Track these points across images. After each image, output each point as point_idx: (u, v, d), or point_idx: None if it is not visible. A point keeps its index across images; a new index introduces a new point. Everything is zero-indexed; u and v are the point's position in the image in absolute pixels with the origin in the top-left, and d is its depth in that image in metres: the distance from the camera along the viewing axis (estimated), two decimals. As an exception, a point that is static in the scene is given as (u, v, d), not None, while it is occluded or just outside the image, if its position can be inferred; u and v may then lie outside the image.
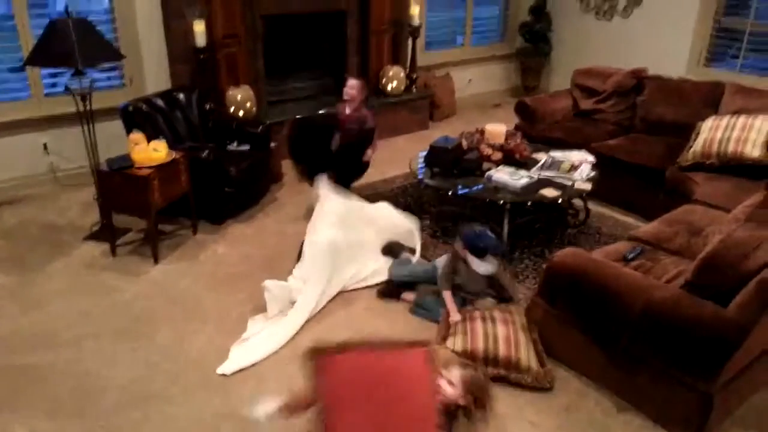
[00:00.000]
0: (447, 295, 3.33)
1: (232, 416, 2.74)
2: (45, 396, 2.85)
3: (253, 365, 3.05)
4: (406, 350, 2.13)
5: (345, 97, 4.54)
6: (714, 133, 4.32)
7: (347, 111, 4.55)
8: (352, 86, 4.52)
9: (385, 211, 4.07)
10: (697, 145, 4.36)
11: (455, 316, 3.22)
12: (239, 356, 3.09)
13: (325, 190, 3.96)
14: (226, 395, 2.87)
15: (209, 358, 3.10)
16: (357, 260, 3.76)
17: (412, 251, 3.93)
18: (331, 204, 3.87)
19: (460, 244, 3.29)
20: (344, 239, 3.70)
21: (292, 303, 3.43)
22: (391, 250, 3.92)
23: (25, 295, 3.62)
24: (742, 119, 4.29)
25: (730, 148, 4.20)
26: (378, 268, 3.78)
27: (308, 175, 4.37)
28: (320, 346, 2.11)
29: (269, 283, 3.40)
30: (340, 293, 3.64)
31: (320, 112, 4.84)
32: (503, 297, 3.43)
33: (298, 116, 4.83)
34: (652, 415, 2.74)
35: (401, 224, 4.00)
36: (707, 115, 4.60)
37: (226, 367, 3.02)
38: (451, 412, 2.20)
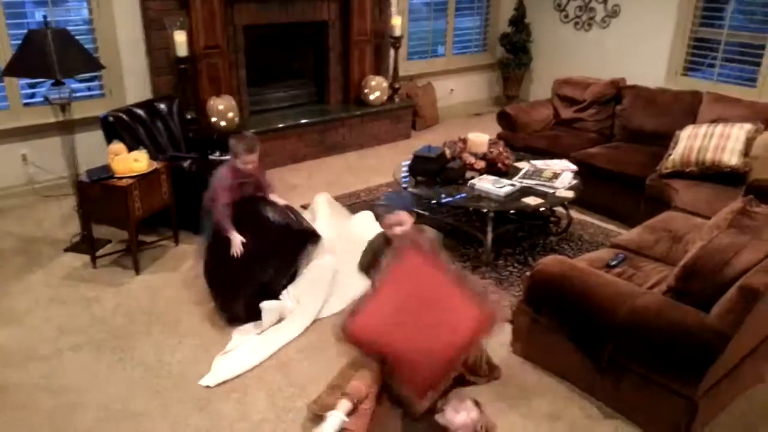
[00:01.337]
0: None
1: (215, 430, 2.71)
2: (21, 413, 2.79)
3: (237, 377, 3.02)
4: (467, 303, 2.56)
5: (245, 165, 3.45)
6: (693, 141, 4.38)
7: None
8: (251, 160, 3.45)
9: (366, 223, 4.06)
10: (677, 154, 4.42)
11: None
12: (223, 368, 3.05)
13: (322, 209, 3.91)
14: (210, 408, 2.83)
15: (192, 371, 3.06)
16: (348, 284, 3.73)
17: None
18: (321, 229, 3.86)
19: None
20: (338, 263, 3.69)
21: (281, 319, 3.41)
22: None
23: (1, 308, 3.54)
24: (719, 128, 4.36)
25: (709, 156, 4.27)
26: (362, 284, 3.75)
27: None
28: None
29: (266, 304, 3.36)
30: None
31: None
32: None
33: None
34: (637, 421, 2.75)
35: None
36: (686, 123, 4.67)
37: (209, 379, 2.98)
38: None
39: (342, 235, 3.90)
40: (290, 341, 3.29)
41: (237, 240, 3.39)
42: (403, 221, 2.90)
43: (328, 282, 3.58)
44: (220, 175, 3.47)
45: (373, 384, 2.65)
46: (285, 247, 3.51)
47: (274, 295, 3.46)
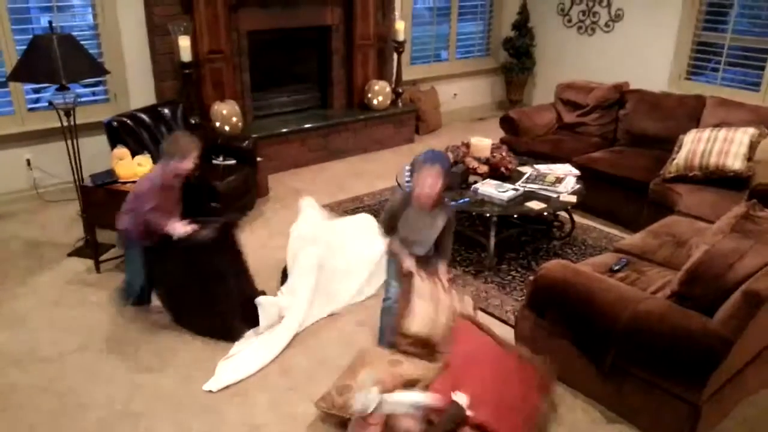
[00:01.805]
0: (393, 245, 2.99)
1: (218, 433, 2.72)
2: (26, 413, 2.80)
3: (240, 381, 3.02)
4: (521, 360, 2.73)
5: (187, 166, 3.27)
6: (696, 145, 4.38)
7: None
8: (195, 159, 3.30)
9: (364, 222, 4.05)
10: (680, 158, 4.41)
11: (408, 262, 2.95)
12: (226, 372, 3.06)
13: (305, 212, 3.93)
14: (212, 412, 2.83)
15: (195, 375, 3.06)
16: (343, 281, 3.73)
17: None
18: (303, 226, 3.86)
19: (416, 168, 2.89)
20: (327, 257, 3.69)
21: (281, 318, 3.42)
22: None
23: (6, 311, 3.56)
24: (723, 132, 4.36)
25: (712, 160, 4.26)
26: (362, 285, 3.78)
27: None
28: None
29: (263, 299, 3.38)
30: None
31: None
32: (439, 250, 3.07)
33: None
34: (641, 426, 2.75)
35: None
36: (689, 128, 4.67)
37: (213, 384, 2.99)
38: None
39: (330, 231, 3.88)
40: (290, 345, 3.29)
41: (180, 227, 3.19)
42: (433, 179, 2.78)
43: (315, 272, 3.56)
44: (154, 177, 3.25)
45: (400, 384, 2.61)
46: (229, 251, 3.38)
47: (256, 293, 3.44)
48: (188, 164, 3.26)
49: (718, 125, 4.54)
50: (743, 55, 6.04)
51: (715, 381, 2.50)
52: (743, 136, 4.26)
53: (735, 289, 2.50)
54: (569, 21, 7.35)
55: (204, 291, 3.29)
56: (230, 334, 3.33)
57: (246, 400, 2.91)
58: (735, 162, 4.19)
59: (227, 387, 2.98)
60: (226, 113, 5.31)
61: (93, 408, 2.84)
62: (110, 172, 3.86)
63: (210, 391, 2.95)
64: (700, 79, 6.41)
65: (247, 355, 3.17)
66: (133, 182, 3.78)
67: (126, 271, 3.54)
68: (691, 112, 4.97)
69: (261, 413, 2.83)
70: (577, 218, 4.65)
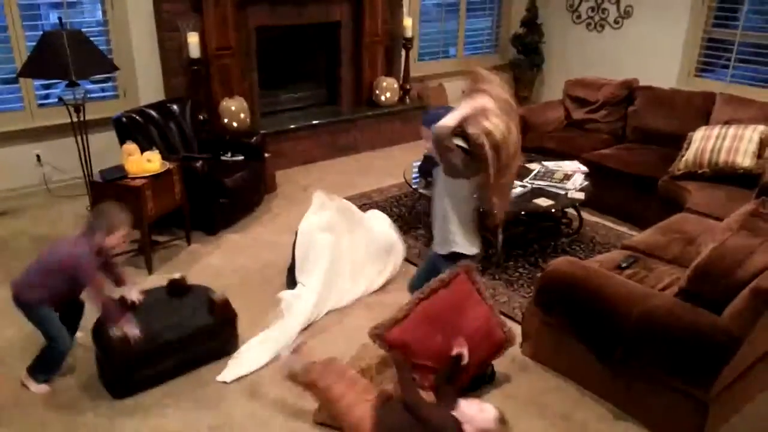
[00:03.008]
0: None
1: (227, 426, 2.73)
2: (36, 410, 2.83)
3: (252, 373, 3.04)
4: (451, 283, 2.80)
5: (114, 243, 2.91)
6: (705, 142, 4.36)
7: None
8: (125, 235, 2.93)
9: (376, 220, 4.06)
10: (689, 155, 4.39)
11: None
12: (239, 364, 3.08)
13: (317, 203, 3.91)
14: (222, 405, 2.85)
15: (207, 367, 3.08)
16: (353, 275, 3.74)
17: None
18: (313, 218, 3.80)
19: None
20: (338, 250, 3.69)
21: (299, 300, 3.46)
22: None
23: (15, 308, 3.58)
24: (732, 129, 4.33)
25: (722, 157, 4.24)
26: (371, 280, 3.80)
27: None
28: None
29: (285, 294, 3.44)
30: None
31: None
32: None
33: None
34: (648, 423, 2.74)
35: (390, 234, 3.97)
36: (698, 125, 4.65)
37: (226, 375, 3.02)
38: None
39: (350, 224, 3.85)
40: (303, 335, 3.30)
41: (134, 330, 2.82)
42: (426, 137, 2.84)
43: (327, 257, 3.56)
44: (85, 256, 2.78)
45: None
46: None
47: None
48: (113, 240, 2.86)
49: (727, 122, 4.52)
50: (754, 52, 6.00)
51: (723, 378, 2.49)
52: (753, 133, 4.24)
53: (744, 287, 2.49)
54: (578, 17, 7.32)
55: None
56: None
57: (256, 393, 2.92)
58: (745, 159, 4.17)
59: (238, 379, 3.00)
60: (235, 109, 5.32)
61: (102, 403, 2.86)
62: (119, 168, 3.88)
63: (224, 382, 2.98)
64: (710, 76, 6.37)
65: (258, 348, 3.19)
66: (142, 177, 3.80)
67: (48, 332, 2.94)
68: (700, 109, 4.94)
69: (271, 406, 2.85)
70: (585, 215, 4.64)
